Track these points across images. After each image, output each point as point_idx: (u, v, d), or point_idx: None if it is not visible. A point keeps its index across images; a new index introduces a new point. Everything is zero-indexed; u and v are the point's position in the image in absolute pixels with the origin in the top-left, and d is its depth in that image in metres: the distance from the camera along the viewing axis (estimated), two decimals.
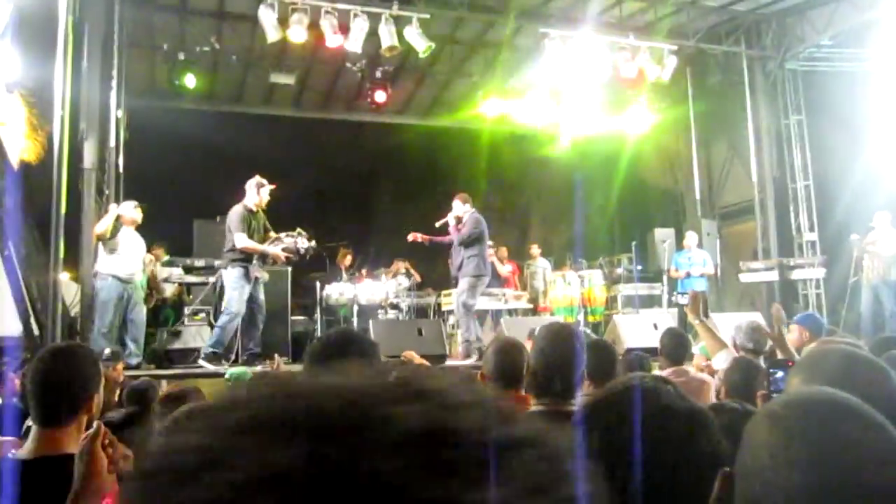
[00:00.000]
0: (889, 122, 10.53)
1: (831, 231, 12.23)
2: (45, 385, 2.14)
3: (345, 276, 11.32)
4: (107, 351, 6.87)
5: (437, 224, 9.24)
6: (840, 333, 6.97)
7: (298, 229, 8.46)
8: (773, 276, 11.35)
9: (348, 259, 11.76)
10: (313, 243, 8.53)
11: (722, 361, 3.96)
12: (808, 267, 11.49)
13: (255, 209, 8.35)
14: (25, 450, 2.12)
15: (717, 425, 1.30)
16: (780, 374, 2.03)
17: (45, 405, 2.14)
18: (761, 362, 3.91)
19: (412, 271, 11.87)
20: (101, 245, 8.29)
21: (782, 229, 12.75)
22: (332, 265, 11.80)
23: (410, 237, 9.45)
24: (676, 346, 5.05)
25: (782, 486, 0.92)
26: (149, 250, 9.24)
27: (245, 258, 8.18)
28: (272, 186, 8.47)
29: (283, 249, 8.32)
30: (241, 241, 8.10)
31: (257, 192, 8.38)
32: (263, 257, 8.34)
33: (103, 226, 8.24)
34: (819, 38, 12.16)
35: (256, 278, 8.37)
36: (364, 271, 11.82)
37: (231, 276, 8.25)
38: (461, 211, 9.00)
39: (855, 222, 10.81)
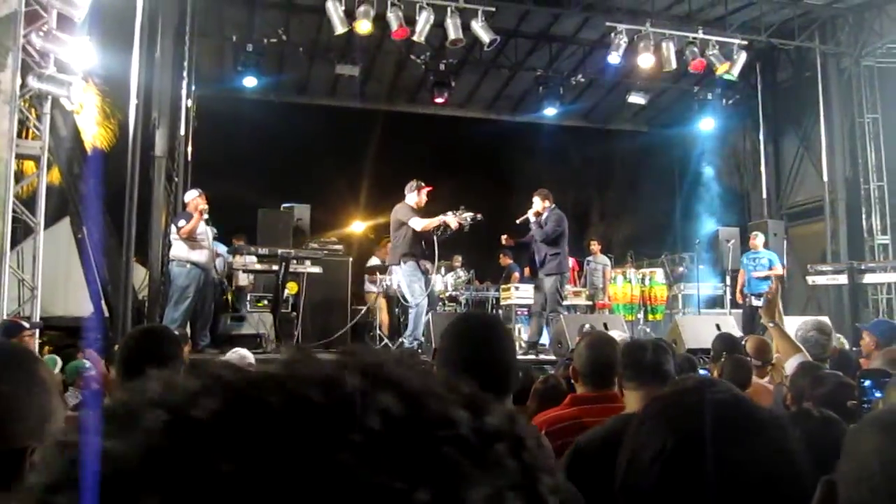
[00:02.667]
0: None
1: None
2: (132, 364, 2.24)
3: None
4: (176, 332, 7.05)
5: (518, 220, 9.31)
6: None
7: (462, 207, 8.73)
8: (843, 279, 11.00)
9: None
10: (479, 216, 8.74)
11: (795, 366, 3.85)
12: (880, 271, 11.09)
13: (415, 208, 8.65)
14: None
15: (799, 432, 1.27)
16: (867, 382, 1.97)
17: (134, 381, 2.22)
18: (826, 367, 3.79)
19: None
20: (175, 232, 8.49)
21: (853, 231, 12.35)
22: (382, 253, 11.89)
23: (504, 240, 9.56)
24: (729, 351, 4.96)
25: (894, 493, 0.91)
26: (229, 240, 9.44)
27: (414, 252, 8.47)
28: (429, 188, 8.83)
29: (462, 220, 8.61)
30: (417, 223, 8.45)
31: (417, 193, 8.73)
32: (428, 253, 8.61)
33: (191, 226, 8.44)
34: None
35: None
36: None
37: (405, 271, 8.56)
38: (540, 207, 9.06)
39: None
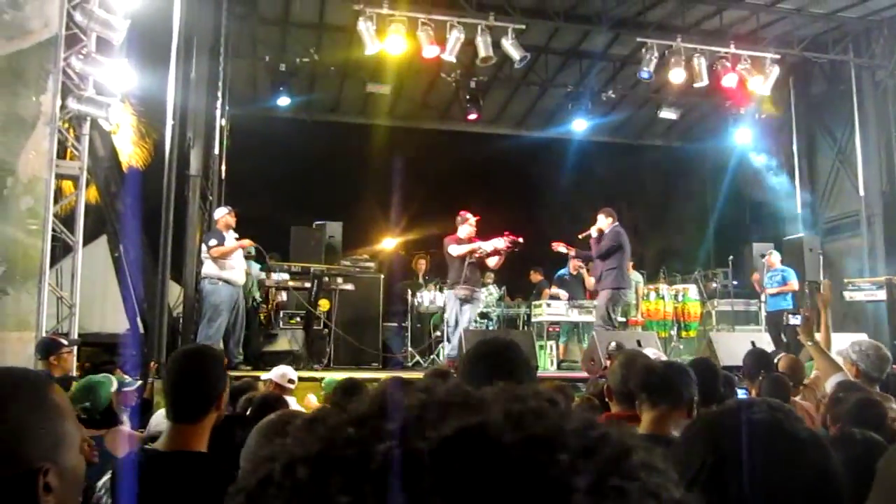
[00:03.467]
0: None
1: None
2: (179, 384, 2.29)
3: (421, 281, 11.44)
4: None
5: (581, 236, 9.61)
6: None
7: (506, 232, 9.16)
8: (882, 295, 10.81)
9: (423, 265, 11.87)
10: (520, 239, 9.16)
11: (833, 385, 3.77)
12: None
13: (465, 239, 9.08)
14: (160, 443, 2.27)
15: (842, 455, 1.24)
16: None
17: (179, 403, 2.29)
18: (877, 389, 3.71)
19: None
20: (207, 250, 8.59)
21: (891, 246, 12.13)
22: (409, 270, 11.96)
23: (555, 246, 9.81)
24: (762, 368, 4.87)
25: None
26: (264, 259, 9.53)
27: (457, 280, 8.94)
28: (476, 217, 9.23)
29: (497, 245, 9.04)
30: (454, 250, 8.98)
31: (467, 224, 9.17)
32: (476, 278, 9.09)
33: (225, 250, 8.59)
34: None
35: None
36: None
37: (448, 297, 9.20)
38: (604, 224, 9.30)
39: None
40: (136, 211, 8.83)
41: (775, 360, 5.17)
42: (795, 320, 9.84)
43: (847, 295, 11.16)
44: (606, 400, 2.90)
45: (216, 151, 10.40)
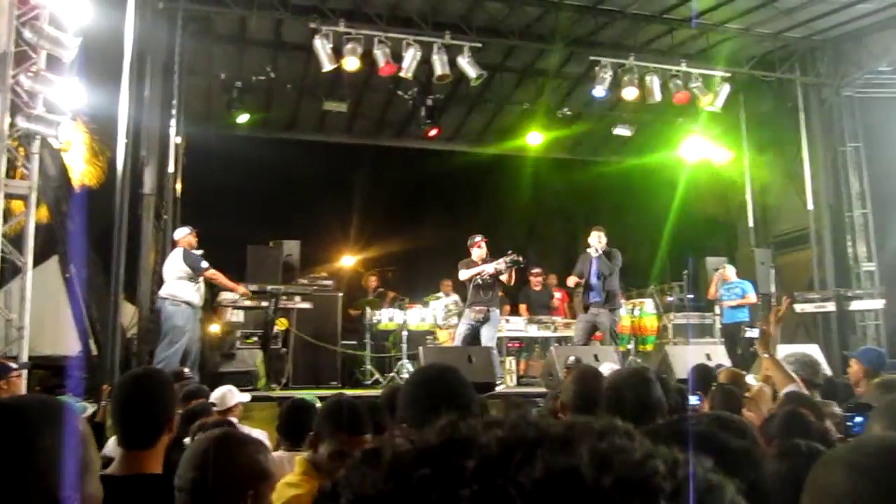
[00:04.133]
0: None
1: (890, 261, 11.91)
2: (128, 410, 2.25)
3: (371, 297, 11.42)
4: (168, 371, 7.05)
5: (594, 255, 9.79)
6: None
7: (509, 251, 9.47)
8: (830, 306, 11.08)
9: (373, 282, 11.84)
10: (520, 259, 9.47)
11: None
12: (867, 298, 11.19)
13: (477, 260, 9.43)
14: (113, 469, 2.23)
15: (785, 467, 1.27)
16: (858, 419, 1.97)
17: (130, 430, 2.26)
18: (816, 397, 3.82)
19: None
20: (173, 270, 8.48)
21: (839, 259, 12.45)
22: (359, 288, 11.90)
23: (573, 283, 10.09)
24: (706, 382, 5.00)
25: None
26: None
27: (469, 301, 9.41)
28: (483, 239, 9.57)
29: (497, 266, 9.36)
30: (462, 274, 9.45)
31: (477, 247, 9.49)
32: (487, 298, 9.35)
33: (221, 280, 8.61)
34: (876, 64, 11.95)
35: None
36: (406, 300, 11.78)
37: (463, 318, 9.51)
38: (604, 243, 9.77)
39: None
40: (88, 230, 8.68)
41: (718, 373, 5.28)
42: (752, 333, 10.05)
43: (798, 307, 11.40)
44: (560, 415, 2.92)
45: (171, 169, 10.26)
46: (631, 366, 8.47)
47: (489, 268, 9.25)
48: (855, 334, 11.78)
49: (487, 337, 9.11)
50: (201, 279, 8.64)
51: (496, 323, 9.42)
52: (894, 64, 11.84)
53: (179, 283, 8.40)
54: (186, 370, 8.43)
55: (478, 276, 9.26)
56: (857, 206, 12.52)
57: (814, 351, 9.03)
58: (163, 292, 8.50)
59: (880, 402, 1.62)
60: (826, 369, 8.25)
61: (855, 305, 11.17)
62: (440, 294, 11.47)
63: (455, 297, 11.34)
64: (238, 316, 9.81)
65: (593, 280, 9.57)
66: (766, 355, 4.40)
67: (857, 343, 11.11)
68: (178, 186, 10.98)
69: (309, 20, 10.41)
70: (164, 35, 10.19)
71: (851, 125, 12.66)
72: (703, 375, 5.30)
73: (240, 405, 5.78)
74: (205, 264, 8.47)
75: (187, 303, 8.36)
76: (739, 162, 13.91)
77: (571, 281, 9.94)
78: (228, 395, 5.59)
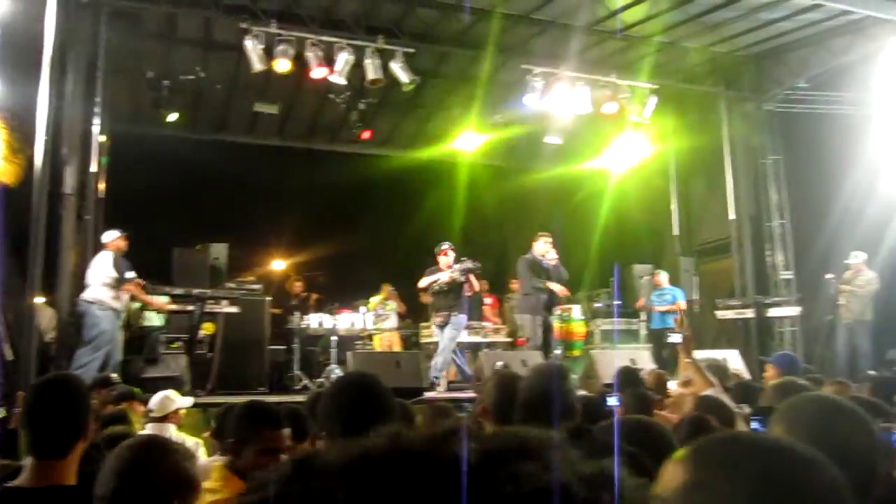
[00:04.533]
0: (863, 164, 10.73)
1: (808, 270, 12.37)
2: (40, 416, 2.13)
3: (295, 301, 11.33)
4: (94, 377, 6.87)
5: (553, 264, 10.15)
6: (814, 373, 7.03)
7: (463, 259, 9.87)
8: (749, 313, 11.45)
9: (298, 287, 11.71)
10: (473, 265, 9.80)
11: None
12: (784, 305, 11.61)
13: (443, 268, 9.81)
14: (23, 479, 2.09)
15: None
16: (756, 422, 2.04)
17: (41, 436, 2.13)
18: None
19: (395, 301, 11.89)
20: (99, 275, 8.22)
21: (759, 267, 12.88)
22: (283, 291, 11.76)
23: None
24: (631, 385, 5.15)
25: None
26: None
27: (437, 307, 9.90)
28: (445, 249, 9.91)
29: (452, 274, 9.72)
30: (421, 282, 10.04)
31: (443, 255, 9.88)
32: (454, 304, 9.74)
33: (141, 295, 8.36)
34: (795, 81, 12.42)
35: None
36: (336, 305, 11.69)
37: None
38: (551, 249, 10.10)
39: (831, 261, 10.97)
40: (5, 231, 8.35)
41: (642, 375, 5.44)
42: (675, 338, 10.32)
43: (719, 314, 11.76)
44: (481, 420, 2.93)
45: (93, 169, 9.96)
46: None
47: (444, 276, 9.60)
48: (773, 340, 12.20)
49: (447, 337, 9.49)
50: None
51: (457, 326, 9.67)
52: (812, 81, 12.32)
53: (105, 288, 8.16)
54: (114, 375, 8.21)
55: (435, 284, 9.63)
56: (776, 216, 12.97)
57: (733, 356, 9.35)
58: (88, 296, 8.24)
59: (779, 405, 1.69)
60: (745, 373, 8.55)
61: (773, 312, 11.57)
62: (380, 296, 11.50)
63: (391, 302, 11.38)
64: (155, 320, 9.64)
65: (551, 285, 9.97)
66: (687, 360, 4.56)
67: (776, 348, 11.52)
68: (102, 186, 10.67)
69: (240, 20, 10.25)
70: (89, 30, 9.90)
71: (772, 139, 13.12)
72: (628, 378, 5.44)
73: (180, 412, 5.60)
74: (130, 275, 8.23)
75: (114, 309, 8.13)
76: (666, 172, 14.26)
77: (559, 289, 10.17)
78: (167, 400, 5.40)
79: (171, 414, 5.31)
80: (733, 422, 2.80)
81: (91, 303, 8.15)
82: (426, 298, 10.77)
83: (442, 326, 9.57)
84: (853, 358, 10.20)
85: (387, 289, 12.08)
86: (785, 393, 2.63)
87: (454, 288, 9.60)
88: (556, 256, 10.13)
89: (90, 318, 8.10)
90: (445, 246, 9.84)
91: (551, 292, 9.89)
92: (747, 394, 4.55)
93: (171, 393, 5.63)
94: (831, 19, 10.91)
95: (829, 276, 10.60)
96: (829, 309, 10.67)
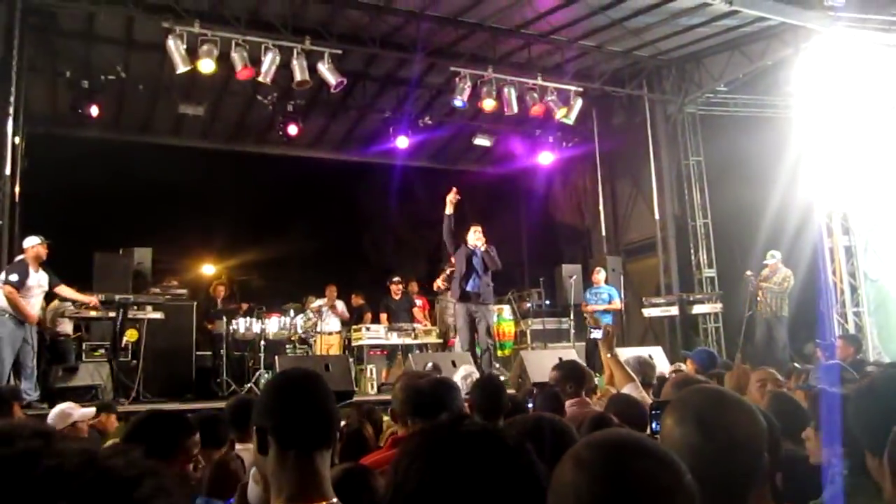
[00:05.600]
0: (781, 166, 11.12)
1: (728, 267, 12.76)
2: None
3: (219, 306, 11.05)
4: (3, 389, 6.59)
5: (485, 249, 9.78)
6: (732, 367, 7.25)
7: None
8: (674, 310, 11.74)
9: (221, 291, 11.45)
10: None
11: (630, 393, 4.10)
12: (707, 302, 11.93)
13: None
14: None
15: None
16: (655, 412, 2.11)
17: None
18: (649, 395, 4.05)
19: (338, 307, 11.73)
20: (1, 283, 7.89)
21: (683, 265, 13.22)
22: (207, 296, 11.48)
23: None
24: (578, 378, 5.19)
25: None
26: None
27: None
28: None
29: None
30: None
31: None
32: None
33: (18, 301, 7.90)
34: (715, 85, 12.80)
35: None
36: (263, 308, 11.45)
37: None
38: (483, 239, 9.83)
39: (751, 259, 11.34)
40: None
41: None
42: (597, 334, 10.52)
43: (645, 312, 12.03)
44: (393, 423, 2.94)
45: (7, 171, 9.60)
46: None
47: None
48: (697, 336, 12.54)
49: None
50: (31, 290, 8.05)
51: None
52: (731, 84, 12.71)
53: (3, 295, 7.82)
54: (26, 384, 7.91)
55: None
56: (699, 216, 13.34)
57: (658, 352, 9.56)
58: None
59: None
60: (669, 369, 8.74)
61: (697, 309, 11.89)
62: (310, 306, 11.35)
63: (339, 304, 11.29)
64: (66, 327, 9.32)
65: (475, 274, 9.65)
66: (608, 355, 4.69)
67: (700, 344, 11.85)
68: (17, 189, 10.28)
69: (162, 19, 10.03)
70: (1, 26, 9.54)
71: (694, 140, 13.50)
72: (568, 371, 5.45)
73: (85, 424, 5.44)
74: (13, 278, 7.85)
75: (11, 315, 7.79)
76: (594, 173, 14.52)
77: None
78: (64, 414, 5.24)
79: (68, 427, 5.15)
80: (644, 418, 2.88)
81: None
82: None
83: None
84: (772, 350, 10.55)
85: (332, 292, 11.87)
86: (681, 387, 2.74)
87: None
88: (484, 242, 9.81)
89: None
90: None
91: (483, 283, 9.70)
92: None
93: (67, 406, 5.49)
94: (747, 25, 11.27)
95: (748, 273, 10.95)
96: (749, 305, 11.01)
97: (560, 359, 9.03)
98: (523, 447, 1.07)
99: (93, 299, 8.57)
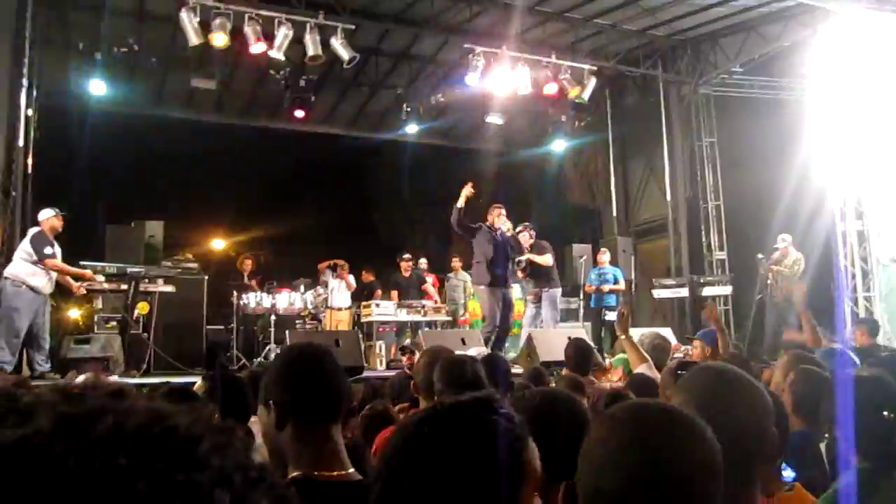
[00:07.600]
0: (795, 148, 11.03)
1: (740, 250, 12.72)
2: None
3: (246, 280, 11.14)
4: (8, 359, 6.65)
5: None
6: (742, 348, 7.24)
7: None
8: (684, 292, 11.73)
9: (248, 265, 11.51)
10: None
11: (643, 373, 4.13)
12: (717, 284, 11.93)
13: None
14: None
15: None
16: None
17: None
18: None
19: (344, 275, 11.77)
20: (19, 251, 7.94)
21: (694, 247, 13.20)
22: (234, 271, 11.55)
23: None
24: (581, 357, 5.22)
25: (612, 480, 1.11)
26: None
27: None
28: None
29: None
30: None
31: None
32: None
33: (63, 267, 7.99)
34: (730, 65, 12.69)
35: None
36: (275, 284, 11.50)
37: None
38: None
39: (763, 242, 11.29)
40: None
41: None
42: (612, 316, 10.53)
43: (655, 293, 12.02)
44: (414, 395, 2.98)
45: (21, 143, 9.63)
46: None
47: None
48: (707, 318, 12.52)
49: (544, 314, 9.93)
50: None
51: (551, 301, 10.06)
52: (746, 65, 12.60)
53: (23, 264, 7.86)
54: (39, 355, 7.98)
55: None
56: (711, 198, 13.30)
57: (667, 334, 9.57)
58: (6, 272, 7.95)
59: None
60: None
61: (706, 291, 11.88)
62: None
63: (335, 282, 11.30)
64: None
65: (503, 259, 9.60)
66: (623, 336, 4.72)
67: (708, 326, 11.83)
68: (30, 161, 10.32)
69: None
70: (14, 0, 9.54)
71: (708, 122, 13.42)
72: (579, 351, 5.45)
73: None
74: (48, 250, 7.91)
75: (29, 286, 7.83)
76: (606, 153, 14.46)
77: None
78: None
79: None
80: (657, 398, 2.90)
81: (6, 278, 7.85)
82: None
83: (535, 304, 10.00)
84: (781, 336, 10.53)
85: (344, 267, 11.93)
86: (675, 376, 2.80)
87: (536, 267, 9.88)
88: (509, 226, 9.77)
89: (4, 294, 7.80)
90: (520, 228, 10.11)
91: (505, 266, 9.65)
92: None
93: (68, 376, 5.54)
94: (764, 6, 11.16)
95: (759, 256, 10.92)
96: (760, 288, 10.99)
97: (569, 338, 9.09)
98: (515, 424, 1.11)
99: (87, 273, 8.56)
